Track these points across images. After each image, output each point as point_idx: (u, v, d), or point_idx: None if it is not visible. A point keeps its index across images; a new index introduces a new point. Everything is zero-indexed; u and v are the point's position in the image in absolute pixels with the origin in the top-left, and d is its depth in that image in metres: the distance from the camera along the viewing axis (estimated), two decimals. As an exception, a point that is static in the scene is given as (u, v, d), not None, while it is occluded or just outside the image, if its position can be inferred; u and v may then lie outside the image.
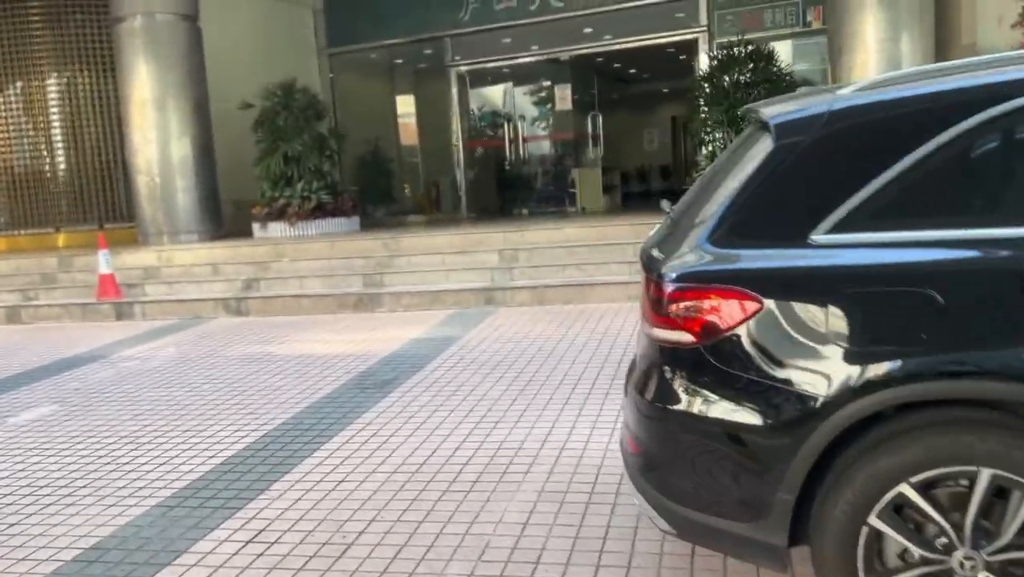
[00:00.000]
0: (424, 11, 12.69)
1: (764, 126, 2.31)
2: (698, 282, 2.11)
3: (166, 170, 10.34)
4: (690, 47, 11.65)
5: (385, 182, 14.40)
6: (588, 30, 12.17)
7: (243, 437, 4.36)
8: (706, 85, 9.38)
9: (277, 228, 10.45)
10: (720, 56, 9.35)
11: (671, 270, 2.18)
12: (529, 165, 13.18)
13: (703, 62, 11.15)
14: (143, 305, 8.65)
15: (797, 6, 10.73)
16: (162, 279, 9.14)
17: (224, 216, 11.09)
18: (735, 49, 9.30)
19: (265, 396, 5.16)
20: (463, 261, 8.30)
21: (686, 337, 2.12)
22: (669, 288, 2.16)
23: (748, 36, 10.20)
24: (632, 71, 17.27)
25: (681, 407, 2.15)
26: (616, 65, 15.17)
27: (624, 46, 12.18)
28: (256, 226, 10.63)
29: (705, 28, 11.16)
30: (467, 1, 12.43)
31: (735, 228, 2.15)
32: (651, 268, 2.33)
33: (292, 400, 5.01)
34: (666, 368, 2.21)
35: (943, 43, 8.50)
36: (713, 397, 2.09)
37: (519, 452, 3.82)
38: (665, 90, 21.42)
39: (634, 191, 18.65)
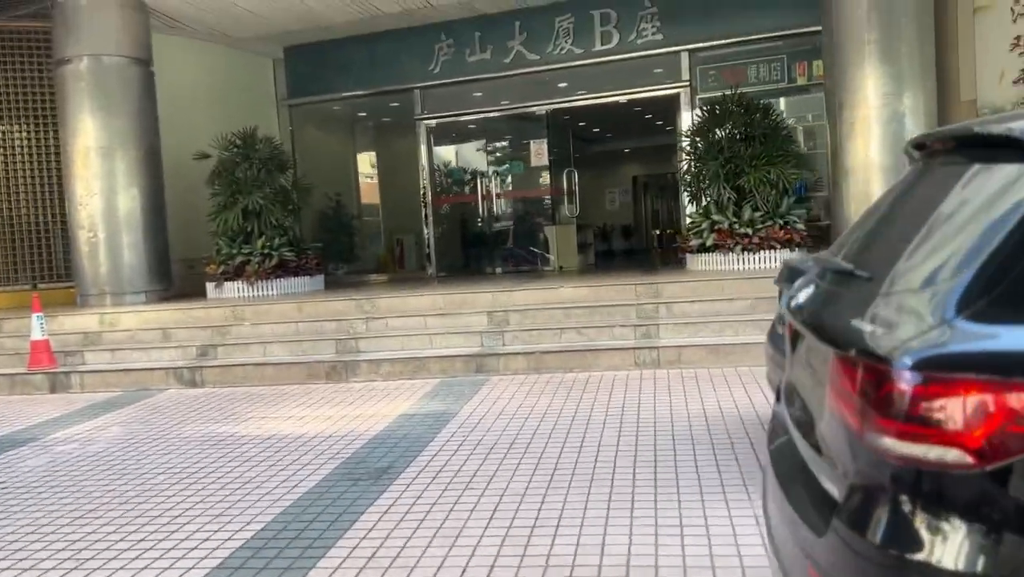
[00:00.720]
0: (391, 63, 12.14)
1: (1004, 152, 1.66)
2: (977, 372, 1.42)
3: (111, 224, 9.41)
4: (671, 103, 11.28)
5: (347, 239, 13.62)
6: (563, 84, 11.75)
7: (213, 550, 3.49)
8: (698, 139, 8.93)
9: (234, 288, 9.57)
10: (713, 108, 8.93)
11: (914, 353, 1.47)
12: (501, 222, 12.57)
13: (685, 118, 10.80)
14: (82, 375, 7.64)
15: (782, 61, 10.46)
16: (104, 345, 8.15)
17: (174, 275, 10.16)
18: (728, 101, 8.90)
19: (234, 492, 4.28)
20: (448, 324, 7.54)
21: (953, 455, 1.42)
22: (914, 380, 1.46)
23: (732, 92, 9.87)
24: (599, 129, 16.98)
25: (937, 560, 1.44)
26: (588, 122, 14.81)
27: (601, 101, 11.78)
28: (211, 286, 9.72)
29: (687, 83, 10.81)
30: (437, 53, 11.93)
31: (1006, 296, 1.48)
32: (853, 344, 1.63)
33: (269, 497, 4.15)
34: (905, 497, 1.50)
35: (944, 100, 8.21)
36: (1005, 547, 1.39)
37: (574, 570, 3.04)
38: (627, 150, 21.30)
39: (599, 250, 18.24)
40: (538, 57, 11.41)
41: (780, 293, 4.35)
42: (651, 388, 6.02)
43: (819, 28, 9.97)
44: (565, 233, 12.07)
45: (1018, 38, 8.00)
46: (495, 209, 12.33)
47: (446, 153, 13.02)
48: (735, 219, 8.44)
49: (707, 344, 6.59)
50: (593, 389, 6.14)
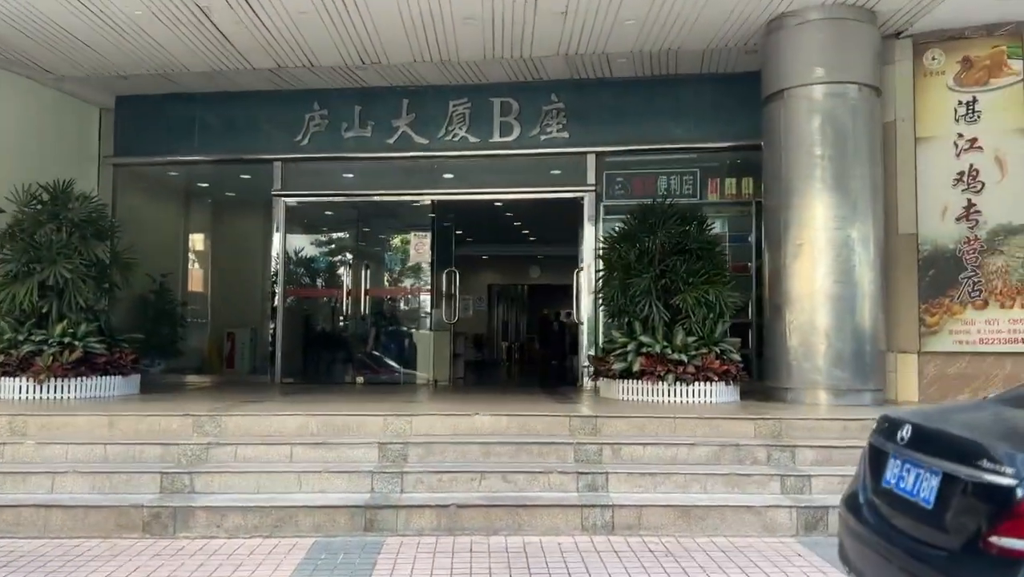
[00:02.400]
0: (248, 128, 10.34)
1: None
2: None
3: None
4: (573, 208, 10.22)
5: (168, 330, 11.23)
6: (451, 175, 10.42)
7: None
8: (621, 247, 7.77)
9: (14, 387, 7.12)
10: (643, 214, 7.84)
11: None
12: (366, 324, 10.75)
13: (588, 227, 9.73)
14: None
15: (695, 175, 9.71)
16: None
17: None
18: (659, 208, 7.86)
19: None
20: (324, 457, 5.63)
21: None
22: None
23: (634, 200, 8.97)
24: (477, 229, 15.73)
25: None
26: (473, 219, 13.48)
27: (493, 197, 10.55)
28: (-21, 382, 7.20)
29: (592, 188, 9.79)
30: (308, 123, 10.26)
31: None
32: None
33: None
34: None
35: (884, 231, 7.58)
36: None
37: None
38: (485, 257, 20.23)
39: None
40: (427, 141, 10.03)
41: (871, 452, 3.26)
42: (611, 569, 4.45)
43: (736, 144, 9.45)
44: (441, 341, 10.47)
45: (961, 173, 7.59)
46: (360, 308, 10.52)
47: (304, 238, 11.16)
48: (666, 343, 7.24)
49: (673, 504, 5.15)
50: (532, 566, 4.47)
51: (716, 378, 7.13)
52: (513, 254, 20.24)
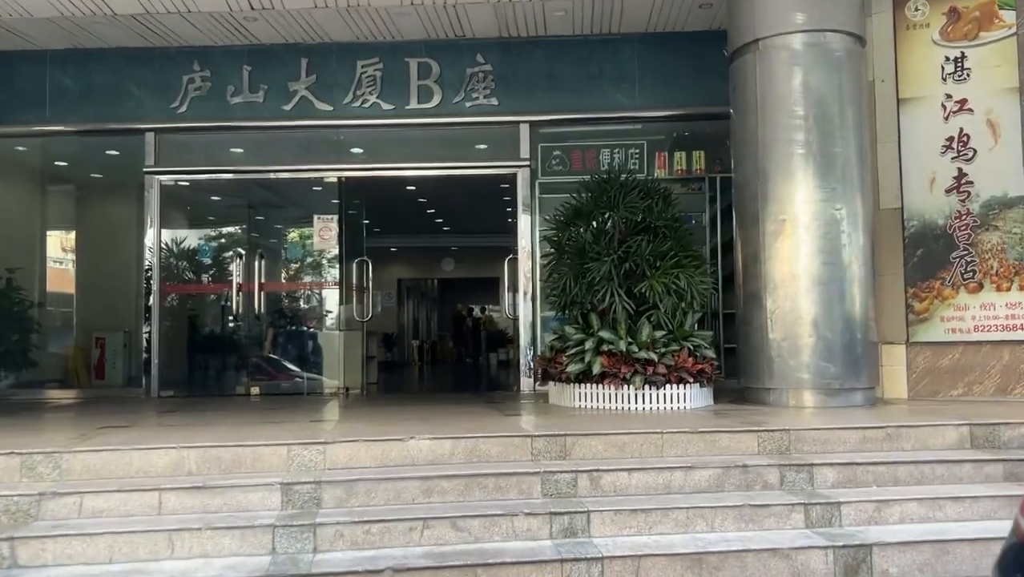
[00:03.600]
0: (114, 93, 8.62)
1: None
2: None
3: None
4: (503, 186, 8.95)
5: (21, 336, 9.31)
6: (360, 150, 8.97)
7: None
8: (575, 227, 6.54)
9: None
10: (600, 186, 6.63)
11: None
12: (262, 324, 9.15)
13: (521, 208, 8.49)
14: None
15: (641, 149, 8.58)
16: None
17: None
18: (614, 181, 6.66)
19: None
20: (206, 506, 4.15)
21: None
22: None
23: (574, 177, 7.86)
24: (372, 218, 14.25)
25: None
26: (384, 199, 12.00)
27: (411, 173, 9.15)
28: None
29: (527, 163, 8.53)
30: (186, 87, 8.61)
31: None
32: None
33: None
34: None
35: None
36: None
37: None
38: (394, 249, 18.74)
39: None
40: (331, 108, 8.55)
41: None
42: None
43: (686, 111, 8.41)
44: (351, 342, 9.00)
45: (950, 139, 6.71)
46: (254, 306, 8.89)
47: (185, 225, 9.46)
48: (630, 339, 6.06)
49: (678, 551, 3.94)
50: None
51: (691, 379, 5.99)
52: (425, 245, 18.81)
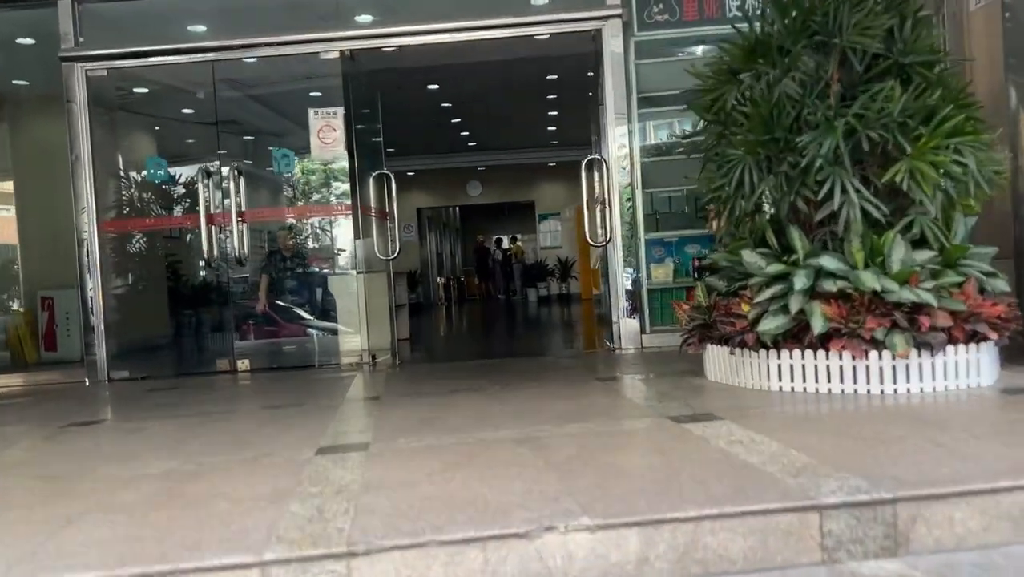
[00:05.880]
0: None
1: None
2: None
3: None
4: (575, 54, 6.17)
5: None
6: (369, 16, 6.19)
7: None
8: (763, 63, 3.77)
9: None
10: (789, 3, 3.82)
11: None
12: (246, 269, 6.47)
13: (609, 80, 5.75)
14: None
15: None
16: None
17: None
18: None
19: None
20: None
21: None
22: None
23: (689, 32, 5.18)
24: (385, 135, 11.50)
25: None
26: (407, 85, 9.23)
27: (439, 38, 6.30)
28: None
29: (617, 13, 5.75)
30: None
31: None
32: None
33: None
34: None
35: None
36: None
37: None
38: (411, 172, 15.99)
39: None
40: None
41: None
42: None
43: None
44: (375, 289, 6.38)
45: None
46: (234, 244, 6.21)
47: (131, 131, 6.75)
48: (877, 269, 3.39)
49: None
50: None
51: (993, 335, 3.32)
52: (448, 166, 16.05)
